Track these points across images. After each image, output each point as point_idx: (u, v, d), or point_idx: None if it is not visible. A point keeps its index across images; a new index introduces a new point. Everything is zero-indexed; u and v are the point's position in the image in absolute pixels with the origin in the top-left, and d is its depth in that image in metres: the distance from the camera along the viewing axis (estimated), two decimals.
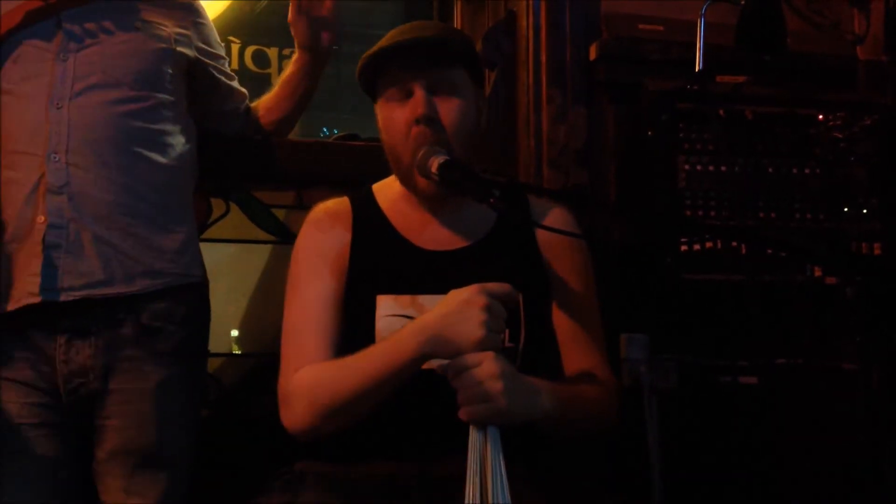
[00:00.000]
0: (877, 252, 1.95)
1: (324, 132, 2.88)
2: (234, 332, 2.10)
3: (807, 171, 1.97)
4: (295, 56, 1.95)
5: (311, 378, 1.39)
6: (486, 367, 1.22)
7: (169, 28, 1.73)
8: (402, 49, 1.44)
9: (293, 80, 1.94)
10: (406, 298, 1.44)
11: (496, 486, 1.17)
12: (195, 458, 1.69)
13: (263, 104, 1.99)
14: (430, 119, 1.43)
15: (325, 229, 1.54)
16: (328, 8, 1.84)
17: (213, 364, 1.98)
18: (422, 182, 1.44)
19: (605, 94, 2.17)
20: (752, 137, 1.97)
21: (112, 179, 1.61)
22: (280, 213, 2.10)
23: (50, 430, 1.61)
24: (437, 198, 1.47)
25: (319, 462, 1.43)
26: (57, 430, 1.61)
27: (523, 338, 1.45)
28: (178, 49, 1.74)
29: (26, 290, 1.56)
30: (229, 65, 1.94)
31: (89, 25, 1.65)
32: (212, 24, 1.87)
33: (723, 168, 1.95)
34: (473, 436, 1.22)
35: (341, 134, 2.23)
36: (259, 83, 2.77)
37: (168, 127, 1.71)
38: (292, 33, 1.89)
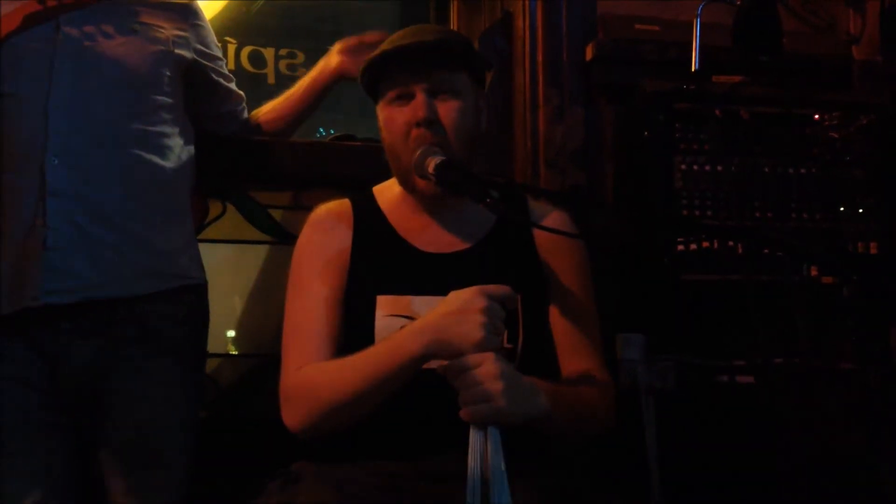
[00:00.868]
0: (873, 251, 1.96)
1: (320, 132, 2.87)
2: (231, 333, 2.10)
3: (803, 170, 1.98)
4: (321, 77, 1.98)
5: (312, 377, 1.40)
6: (487, 368, 1.23)
7: (167, 30, 1.73)
8: (403, 53, 1.45)
9: (310, 98, 1.99)
10: (405, 299, 1.45)
11: (496, 486, 1.17)
12: (195, 458, 1.69)
13: (267, 112, 2.00)
14: (430, 122, 1.44)
15: (326, 230, 1.54)
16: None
17: (209, 364, 1.97)
18: (420, 183, 1.45)
19: (601, 95, 2.17)
20: (748, 137, 1.97)
21: (111, 182, 1.61)
22: (277, 214, 2.10)
23: (50, 429, 1.60)
24: (436, 199, 1.47)
25: (316, 462, 1.43)
26: (57, 430, 1.61)
27: (521, 339, 1.45)
28: (176, 51, 1.74)
29: (26, 293, 1.56)
30: (226, 65, 1.94)
31: (88, 28, 1.65)
32: (209, 25, 1.87)
33: (719, 168, 1.95)
34: (474, 436, 1.22)
35: (338, 134, 2.23)
36: (255, 83, 2.77)
37: (166, 129, 1.71)
38: (343, 64, 1.95)
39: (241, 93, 1.97)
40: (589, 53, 2.16)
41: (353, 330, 1.46)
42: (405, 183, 1.50)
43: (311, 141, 2.08)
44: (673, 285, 1.90)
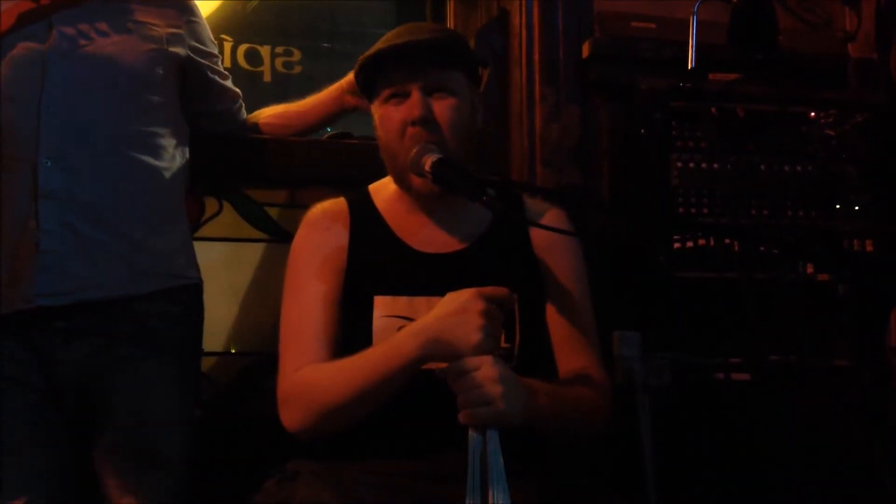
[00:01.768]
0: (869, 249, 1.96)
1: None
2: (228, 331, 2.10)
3: (799, 168, 1.98)
4: (337, 99, 1.97)
5: (310, 379, 1.40)
6: (485, 371, 1.24)
7: (161, 28, 1.72)
8: (398, 52, 1.45)
9: (320, 118, 2.00)
10: (403, 300, 1.45)
11: (496, 488, 1.18)
12: (193, 456, 1.69)
13: (272, 116, 2.00)
14: (426, 120, 1.44)
15: (322, 229, 1.54)
16: None
17: (207, 363, 1.98)
18: (416, 181, 1.44)
19: (598, 93, 2.17)
20: (744, 135, 1.97)
21: (104, 183, 1.60)
22: (273, 212, 2.10)
23: (47, 428, 1.60)
24: (432, 197, 1.47)
25: (313, 461, 1.43)
26: (54, 429, 1.61)
27: (518, 339, 1.45)
28: (171, 49, 1.73)
29: (21, 295, 1.55)
30: (222, 63, 1.93)
31: (82, 27, 1.64)
32: (205, 22, 1.87)
33: (715, 166, 1.95)
34: (473, 439, 1.22)
35: (334, 132, 2.23)
36: (251, 81, 2.76)
37: (160, 129, 1.70)
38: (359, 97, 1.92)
39: (238, 90, 1.97)
40: (585, 51, 2.16)
41: (350, 331, 1.46)
42: (401, 181, 1.50)
43: (308, 139, 2.08)
44: (669, 283, 1.90)
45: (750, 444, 1.80)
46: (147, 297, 1.63)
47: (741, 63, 2.03)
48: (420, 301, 1.43)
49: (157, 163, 1.68)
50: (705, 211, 1.94)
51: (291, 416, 1.40)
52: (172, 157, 1.72)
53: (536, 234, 1.54)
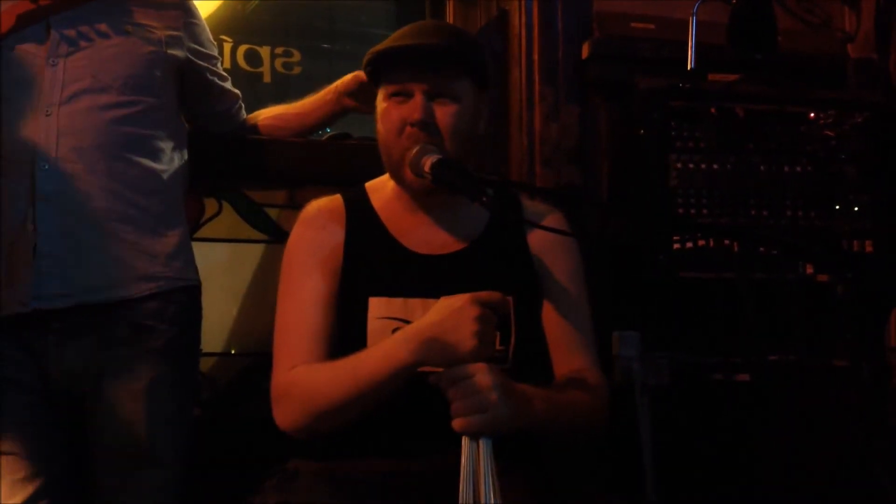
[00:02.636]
0: (868, 249, 1.96)
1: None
2: (227, 332, 2.10)
3: (798, 168, 1.98)
4: (335, 101, 1.97)
5: (303, 379, 1.40)
6: (480, 379, 1.24)
7: (160, 30, 1.71)
8: (406, 53, 1.45)
9: (318, 119, 1.99)
10: (398, 301, 1.45)
11: (488, 495, 1.18)
12: (189, 456, 1.69)
13: (270, 117, 1.99)
14: (425, 124, 1.43)
15: (318, 227, 1.53)
16: None
17: (206, 364, 1.98)
18: (409, 176, 1.44)
19: (597, 93, 2.17)
20: (743, 135, 1.97)
21: (102, 186, 1.60)
22: (273, 213, 2.10)
23: (43, 429, 1.60)
24: (426, 193, 1.46)
25: (312, 460, 1.43)
26: (51, 430, 1.61)
27: (513, 341, 1.45)
28: (169, 52, 1.72)
29: (17, 299, 1.55)
30: (221, 64, 1.93)
31: (82, 29, 1.63)
32: (205, 23, 1.86)
33: (714, 166, 1.95)
34: (466, 446, 1.23)
35: (333, 133, 2.23)
36: (251, 82, 2.77)
37: (158, 131, 1.70)
38: (357, 99, 1.93)
39: (237, 92, 1.96)
40: (584, 51, 2.16)
41: (345, 331, 1.45)
42: (395, 176, 1.49)
43: (308, 139, 2.08)
44: (668, 283, 1.90)
45: (749, 444, 1.80)
46: (143, 298, 1.63)
47: (741, 63, 2.03)
48: (415, 302, 1.43)
49: (155, 165, 1.67)
50: (704, 211, 1.94)
51: (284, 415, 1.40)
52: (171, 159, 1.72)
53: (533, 236, 1.53)
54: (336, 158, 2.07)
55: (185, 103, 1.82)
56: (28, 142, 1.56)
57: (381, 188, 1.57)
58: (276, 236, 2.09)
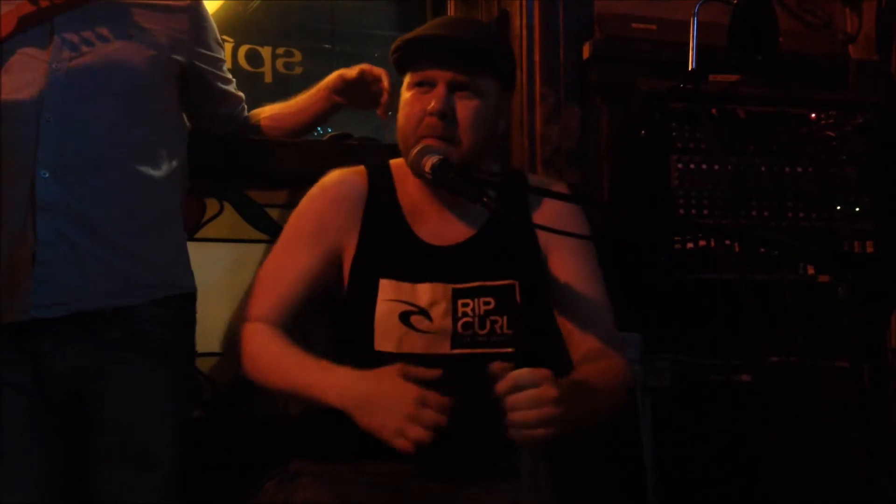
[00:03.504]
0: (869, 250, 1.96)
1: (317, 131, 2.88)
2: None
3: (799, 169, 1.98)
4: (326, 98, 1.96)
5: (256, 347, 1.47)
6: (546, 391, 1.20)
7: (163, 33, 1.69)
8: (433, 43, 1.48)
9: (312, 117, 1.99)
10: (407, 286, 1.48)
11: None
12: (186, 458, 1.69)
13: (268, 117, 1.99)
14: (444, 115, 1.45)
15: (330, 200, 1.58)
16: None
17: (206, 364, 1.97)
18: None
19: (598, 94, 2.17)
20: (744, 136, 1.97)
21: (102, 195, 1.58)
22: (274, 213, 2.10)
23: (40, 431, 1.59)
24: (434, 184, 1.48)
25: (313, 461, 1.43)
26: (47, 433, 1.60)
27: (522, 329, 1.46)
28: (172, 56, 1.70)
29: (16, 307, 1.54)
30: (225, 66, 1.92)
31: (85, 33, 1.61)
32: (213, 24, 1.83)
33: (715, 167, 1.95)
34: (527, 458, 1.21)
35: (334, 133, 2.23)
36: (253, 82, 2.76)
37: (159, 136, 1.68)
38: (344, 96, 1.93)
39: (241, 94, 1.94)
40: (585, 52, 2.16)
41: (354, 308, 1.49)
42: (408, 165, 1.50)
43: (308, 140, 2.07)
44: (669, 284, 1.90)
45: (750, 444, 1.80)
46: (139, 305, 1.63)
47: (741, 64, 2.03)
48: (424, 287, 1.47)
49: (154, 172, 1.65)
50: (705, 212, 1.94)
51: (233, 360, 1.50)
52: (170, 164, 1.70)
53: (540, 214, 1.56)
54: (337, 159, 2.06)
55: (188, 105, 1.81)
56: (29, 149, 1.54)
57: (403, 169, 1.57)
58: (277, 236, 2.08)
